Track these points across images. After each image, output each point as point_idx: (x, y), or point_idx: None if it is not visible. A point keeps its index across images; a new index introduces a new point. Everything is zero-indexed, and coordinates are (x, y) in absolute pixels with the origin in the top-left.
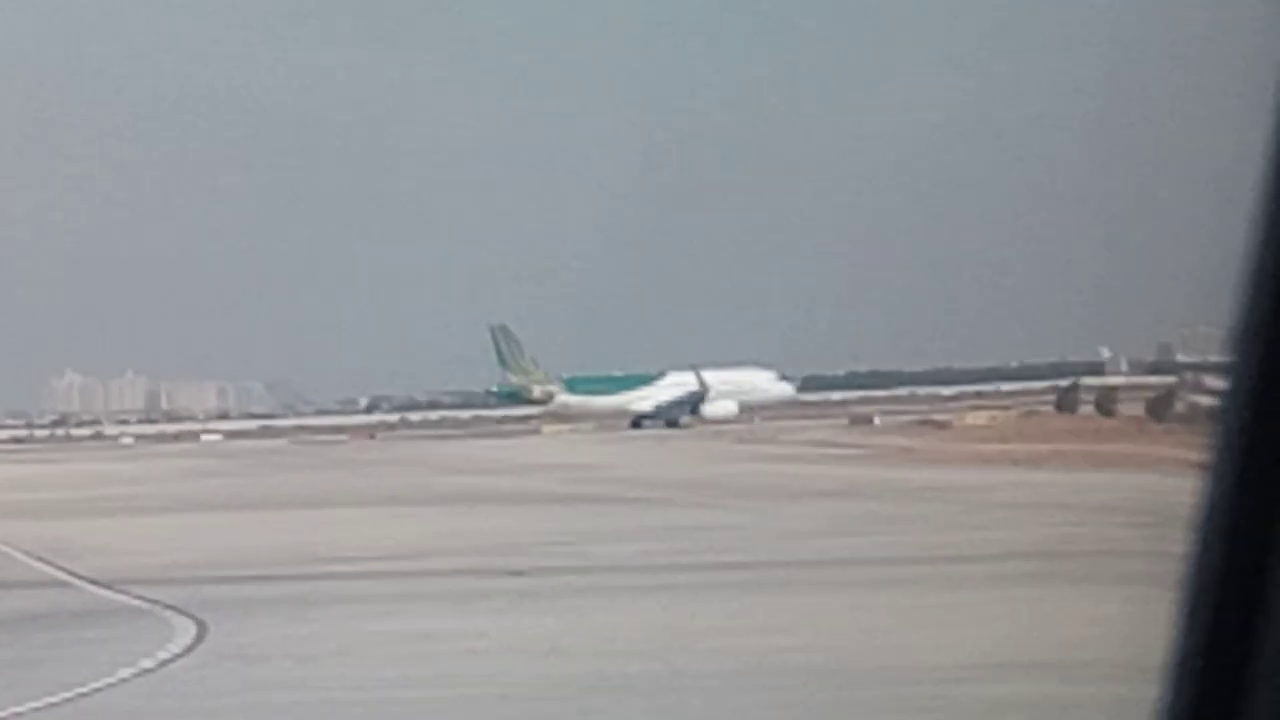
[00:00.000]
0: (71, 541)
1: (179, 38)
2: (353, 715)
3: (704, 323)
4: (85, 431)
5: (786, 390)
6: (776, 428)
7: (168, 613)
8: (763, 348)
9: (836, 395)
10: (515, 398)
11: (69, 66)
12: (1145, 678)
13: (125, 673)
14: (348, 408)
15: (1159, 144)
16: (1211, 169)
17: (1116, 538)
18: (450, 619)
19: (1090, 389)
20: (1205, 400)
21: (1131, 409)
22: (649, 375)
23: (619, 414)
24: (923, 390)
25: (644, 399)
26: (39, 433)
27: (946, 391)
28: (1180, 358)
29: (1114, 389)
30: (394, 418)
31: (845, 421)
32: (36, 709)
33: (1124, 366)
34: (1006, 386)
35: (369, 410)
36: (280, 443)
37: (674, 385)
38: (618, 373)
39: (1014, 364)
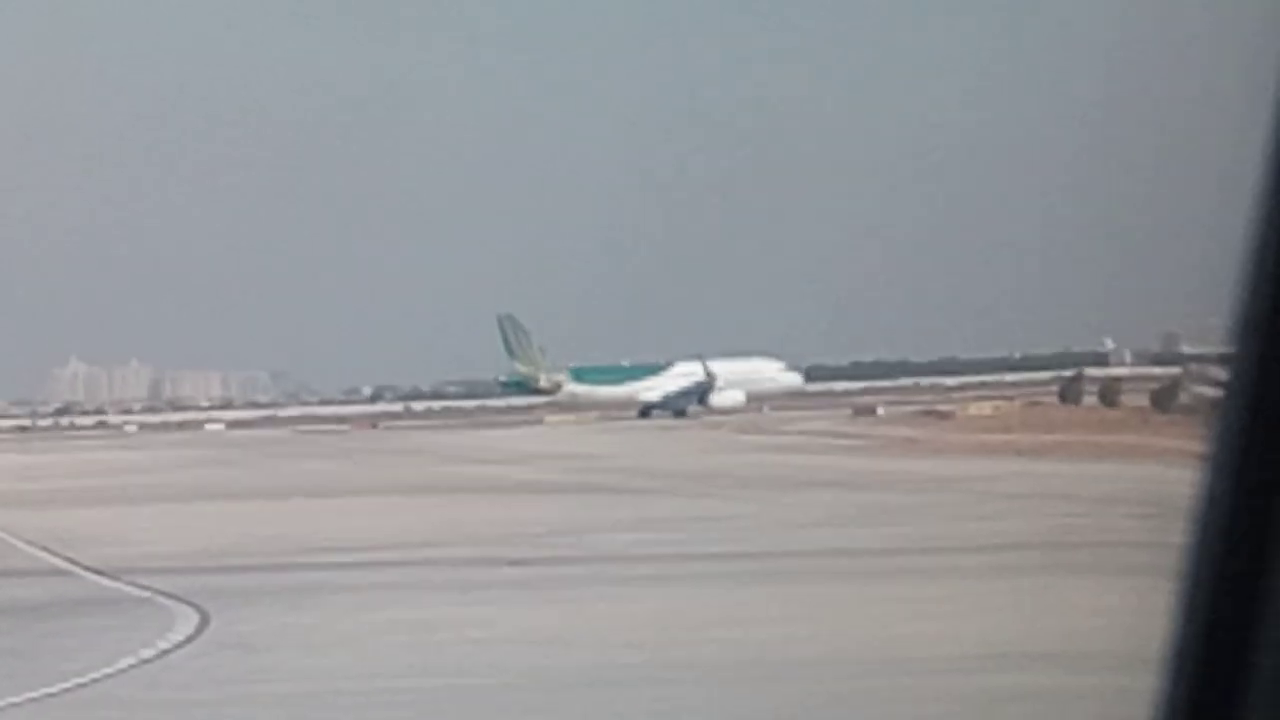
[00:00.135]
0: (73, 530)
1: (180, 35)
2: (355, 704)
3: (711, 313)
4: (89, 420)
5: (795, 380)
6: (781, 417)
7: (169, 602)
8: (768, 338)
9: (840, 385)
10: (523, 387)
11: (74, 62)
12: (1149, 668)
13: (126, 662)
14: (352, 398)
15: (1163, 136)
16: (1214, 160)
17: (1120, 528)
18: (452, 608)
19: (1094, 380)
20: (1210, 391)
21: (1135, 400)
22: (657, 365)
23: (626, 404)
24: (926, 380)
25: (651, 389)
26: (43, 422)
27: (950, 382)
28: (1185, 349)
29: (1118, 380)
30: (398, 407)
31: (849, 412)
32: (35, 699)
33: (1128, 357)
34: (1010, 377)
35: (373, 400)
36: (283, 432)
37: (681, 375)
38: (625, 362)
39: (1018, 354)
